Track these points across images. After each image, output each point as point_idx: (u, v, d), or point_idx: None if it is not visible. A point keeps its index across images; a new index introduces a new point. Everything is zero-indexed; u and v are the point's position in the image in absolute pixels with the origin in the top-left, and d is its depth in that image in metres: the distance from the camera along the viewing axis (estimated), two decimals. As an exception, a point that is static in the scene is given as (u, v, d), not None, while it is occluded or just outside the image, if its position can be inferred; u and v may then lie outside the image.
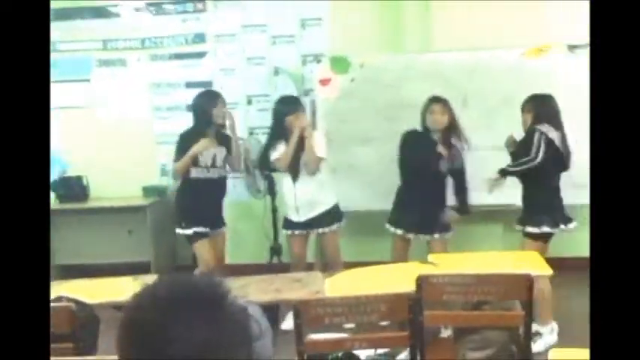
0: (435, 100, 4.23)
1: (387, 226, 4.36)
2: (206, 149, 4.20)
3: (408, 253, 4.37)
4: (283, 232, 4.52)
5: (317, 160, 4.24)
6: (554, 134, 3.90)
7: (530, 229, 3.95)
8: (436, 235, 4.28)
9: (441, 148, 4.14)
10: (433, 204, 4.24)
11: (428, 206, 4.22)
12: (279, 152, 4.25)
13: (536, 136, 3.87)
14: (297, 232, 4.38)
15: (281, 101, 4.49)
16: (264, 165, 4.47)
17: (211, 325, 1.04)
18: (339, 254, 4.42)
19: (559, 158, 3.95)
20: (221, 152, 4.29)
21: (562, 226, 3.94)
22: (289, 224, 4.41)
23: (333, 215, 4.37)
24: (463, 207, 4.30)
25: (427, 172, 4.18)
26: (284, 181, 4.40)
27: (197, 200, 4.25)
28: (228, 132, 4.34)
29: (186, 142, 4.24)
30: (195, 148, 4.17)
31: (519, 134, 4.10)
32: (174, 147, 4.35)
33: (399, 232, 4.31)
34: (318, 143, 4.28)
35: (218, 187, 4.34)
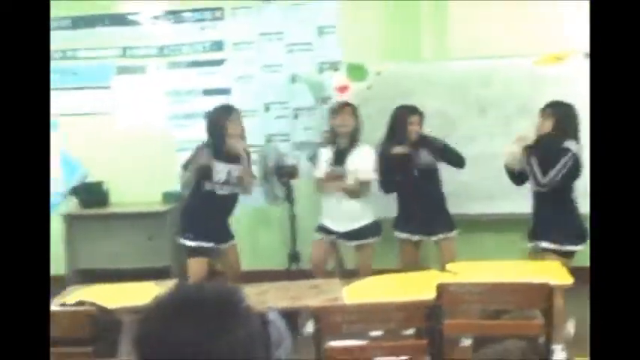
0: (413, 111, 4.36)
1: (395, 232, 4.47)
2: (206, 164, 4.12)
3: (419, 258, 4.46)
4: (315, 236, 4.51)
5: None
6: (578, 150, 3.75)
7: (547, 245, 3.82)
8: (440, 235, 4.36)
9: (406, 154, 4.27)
10: (429, 205, 4.32)
11: (424, 208, 4.31)
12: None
13: (566, 158, 3.70)
14: (329, 237, 4.41)
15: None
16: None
17: (223, 332, 1.05)
18: (369, 266, 4.44)
19: (578, 172, 3.79)
20: (235, 169, 4.22)
21: (578, 246, 3.77)
22: (322, 232, 4.45)
23: (373, 229, 4.44)
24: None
25: (409, 179, 4.30)
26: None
27: (204, 214, 4.20)
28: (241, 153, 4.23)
29: (202, 155, 4.18)
30: (194, 165, 4.12)
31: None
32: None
33: (404, 236, 4.42)
34: (369, 161, 4.35)
35: (226, 203, 4.29)
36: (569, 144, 3.76)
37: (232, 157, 4.22)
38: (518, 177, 4.05)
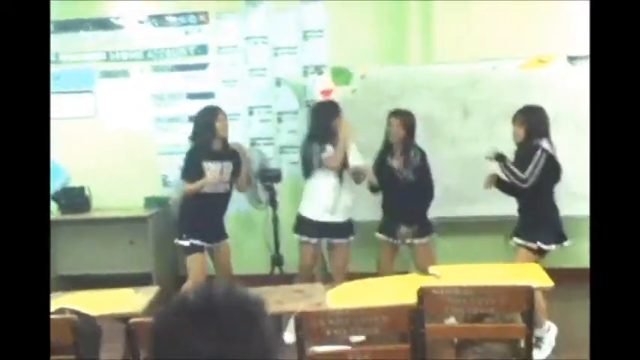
0: (394, 113, 4.39)
1: (377, 234, 4.51)
2: (215, 179, 4.21)
3: (395, 261, 4.49)
4: (297, 238, 4.45)
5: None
6: (551, 148, 3.92)
7: (521, 242, 3.93)
8: (416, 241, 4.38)
9: (394, 160, 4.33)
10: (406, 210, 4.33)
11: (402, 213, 4.34)
12: (329, 152, 4.28)
13: (538, 153, 3.86)
14: (312, 240, 4.38)
15: (323, 105, 4.55)
16: (307, 161, 4.39)
17: (246, 342, 1.05)
18: (346, 267, 4.45)
19: (556, 171, 3.95)
20: (228, 167, 4.31)
21: (554, 246, 3.89)
22: (308, 226, 4.38)
23: (349, 227, 4.45)
24: (412, 218, 4.36)
25: (392, 182, 4.35)
26: (315, 182, 4.37)
27: (199, 213, 4.27)
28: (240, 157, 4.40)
29: (194, 159, 4.26)
30: (204, 180, 4.18)
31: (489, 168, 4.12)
32: (176, 158, 4.38)
33: (383, 237, 4.46)
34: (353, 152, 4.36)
35: (222, 200, 4.35)
36: (540, 142, 3.91)
37: (222, 155, 4.28)
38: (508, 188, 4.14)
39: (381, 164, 4.44)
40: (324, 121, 4.33)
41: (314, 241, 4.39)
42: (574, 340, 3.53)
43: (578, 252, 4.33)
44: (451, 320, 3.39)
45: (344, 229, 4.41)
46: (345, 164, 4.29)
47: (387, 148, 4.43)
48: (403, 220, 4.34)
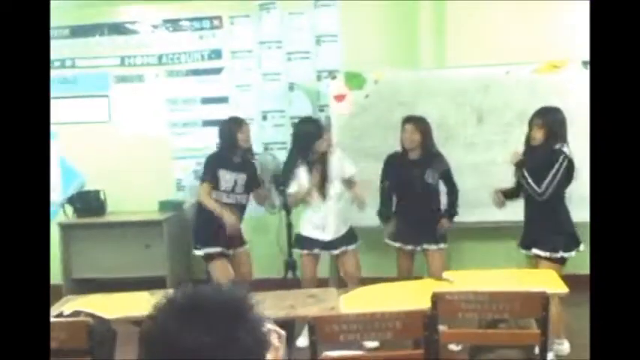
0: (407, 120, 4.35)
1: (386, 240, 4.48)
2: (229, 223, 4.26)
3: (413, 266, 4.47)
4: (297, 252, 4.51)
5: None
6: (570, 153, 3.80)
7: (542, 253, 3.82)
8: (432, 247, 4.37)
9: (410, 166, 4.30)
10: (423, 216, 4.34)
11: (418, 218, 4.33)
12: (293, 188, 4.32)
13: (560, 160, 3.74)
14: (314, 251, 4.39)
15: (305, 124, 4.47)
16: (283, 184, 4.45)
17: (234, 339, 1.06)
18: (359, 272, 4.45)
19: (571, 176, 3.84)
20: (242, 178, 4.37)
21: (574, 252, 3.82)
22: (306, 243, 4.41)
23: (352, 234, 4.46)
24: (451, 210, 4.40)
25: (410, 188, 4.31)
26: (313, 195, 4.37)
27: (212, 222, 4.30)
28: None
29: (211, 165, 4.35)
30: (219, 212, 4.25)
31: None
32: (190, 162, 4.42)
33: (397, 245, 4.44)
34: (343, 163, 4.35)
35: (236, 210, 4.38)
36: (562, 147, 3.80)
37: (239, 166, 4.36)
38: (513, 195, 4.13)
39: (395, 170, 4.41)
40: (304, 143, 4.30)
41: (314, 252, 4.40)
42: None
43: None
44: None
45: (341, 241, 4.40)
46: (323, 182, 4.26)
47: (402, 154, 4.40)
48: (418, 228, 4.33)
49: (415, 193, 4.33)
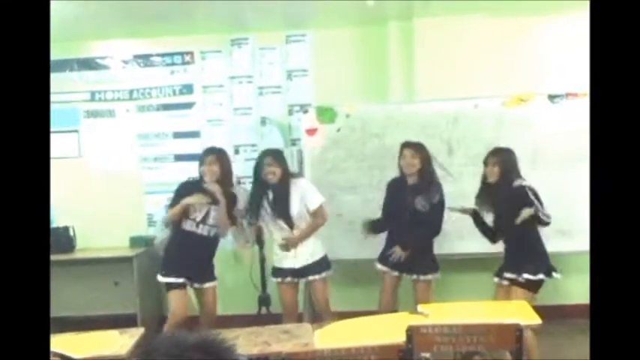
0: (406, 145, 4.42)
1: (376, 264, 4.48)
2: (197, 203, 4.21)
3: (396, 295, 4.45)
4: (273, 281, 4.49)
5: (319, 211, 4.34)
6: (528, 184, 4.01)
7: (510, 276, 3.99)
8: (421, 277, 4.37)
9: (408, 191, 4.33)
10: (416, 245, 4.34)
11: (406, 244, 4.34)
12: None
13: (527, 192, 3.93)
14: (287, 279, 4.37)
15: (260, 154, 4.47)
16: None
17: None
18: (328, 303, 4.42)
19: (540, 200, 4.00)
20: (214, 210, 4.27)
21: (541, 275, 3.93)
22: (280, 272, 4.40)
23: (323, 263, 4.42)
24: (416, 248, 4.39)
25: (406, 215, 4.33)
26: (276, 228, 4.38)
27: (182, 251, 4.26)
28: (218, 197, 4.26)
29: (181, 190, 4.29)
30: (186, 200, 4.19)
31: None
32: (161, 197, 4.36)
33: (385, 269, 4.44)
34: (311, 191, 4.34)
35: (207, 243, 4.32)
36: (522, 181, 4.03)
37: (211, 198, 4.27)
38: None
39: (392, 194, 4.45)
40: (257, 175, 4.36)
41: (288, 280, 4.38)
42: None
43: (565, 288, 4.34)
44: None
45: (313, 268, 4.37)
46: (284, 212, 4.27)
47: (401, 179, 4.43)
48: (410, 256, 4.35)
49: (405, 219, 4.35)
